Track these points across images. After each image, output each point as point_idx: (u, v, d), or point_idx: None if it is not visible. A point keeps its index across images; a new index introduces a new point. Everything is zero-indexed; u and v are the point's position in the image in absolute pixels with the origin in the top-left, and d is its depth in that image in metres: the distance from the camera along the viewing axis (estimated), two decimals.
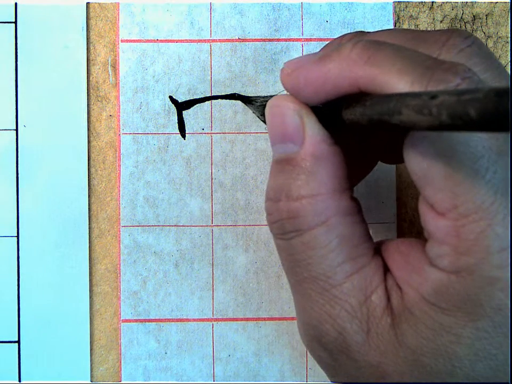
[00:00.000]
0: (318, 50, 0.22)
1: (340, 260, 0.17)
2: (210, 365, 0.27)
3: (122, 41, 0.26)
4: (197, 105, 0.26)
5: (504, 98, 0.11)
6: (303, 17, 0.26)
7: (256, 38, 0.26)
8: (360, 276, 0.17)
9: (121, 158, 0.26)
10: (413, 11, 0.27)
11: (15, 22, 0.26)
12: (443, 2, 0.27)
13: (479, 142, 0.15)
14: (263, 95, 0.26)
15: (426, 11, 0.27)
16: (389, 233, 0.27)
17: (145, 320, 0.26)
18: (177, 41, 0.26)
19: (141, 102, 0.26)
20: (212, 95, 0.26)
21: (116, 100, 0.26)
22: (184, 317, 0.27)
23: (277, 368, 0.27)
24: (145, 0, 0.26)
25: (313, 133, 0.18)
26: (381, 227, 0.27)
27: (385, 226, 0.27)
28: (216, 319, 0.27)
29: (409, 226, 0.27)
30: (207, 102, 0.26)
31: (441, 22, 0.27)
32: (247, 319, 0.27)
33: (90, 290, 0.26)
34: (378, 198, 0.27)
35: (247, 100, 0.26)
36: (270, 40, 0.26)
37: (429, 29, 0.27)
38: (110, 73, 0.26)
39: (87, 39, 0.26)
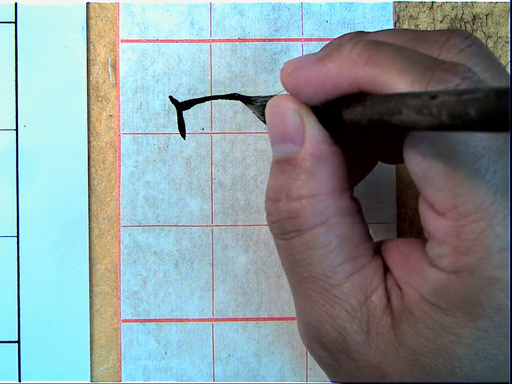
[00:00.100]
0: (318, 50, 0.22)
1: (340, 260, 0.17)
2: (210, 365, 0.27)
3: (122, 41, 0.26)
4: (197, 105, 0.26)
5: (504, 98, 0.11)
6: (303, 17, 0.26)
7: (256, 38, 0.26)
8: (360, 276, 0.17)
9: (121, 158, 0.26)
10: (413, 11, 0.27)
11: (15, 22, 0.26)
12: (443, 2, 0.27)
13: (479, 142, 0.15)
14: (263, 95, 0.26)
15: (426, 11, 0.27)
16: (389, 233, 0.27)
17: (145, 320, 0.26)
18: (177, 41, 0.26)
19: (141, 102, 0.26)
20: (212, 95, 0.26)
21: (116, 100, 0.26)
22: (184, 317, 0.27)
23: (277, 368, 0.27)
24: (145, 0, 0.26)
25: (313, 133, 0.18)
26: (381, 227, 0.27)
27: (385, 226, 0.27)
28: (216, 319, 0.27)
29: (409, 226, 0.27)
30: (207, 102, 0.26)
31: (441, 22, 0.27)
32: (247, 319, 0.27)
33: (90, 290, 0.26)
34: (378, 198, 0.27)
35: (247, 100, 0.26)
36: (270, 40, 0.26)
37: (429, 29, 0.27)
38: (110, 73, 0.26)
39: (87, 39, 0.26)
